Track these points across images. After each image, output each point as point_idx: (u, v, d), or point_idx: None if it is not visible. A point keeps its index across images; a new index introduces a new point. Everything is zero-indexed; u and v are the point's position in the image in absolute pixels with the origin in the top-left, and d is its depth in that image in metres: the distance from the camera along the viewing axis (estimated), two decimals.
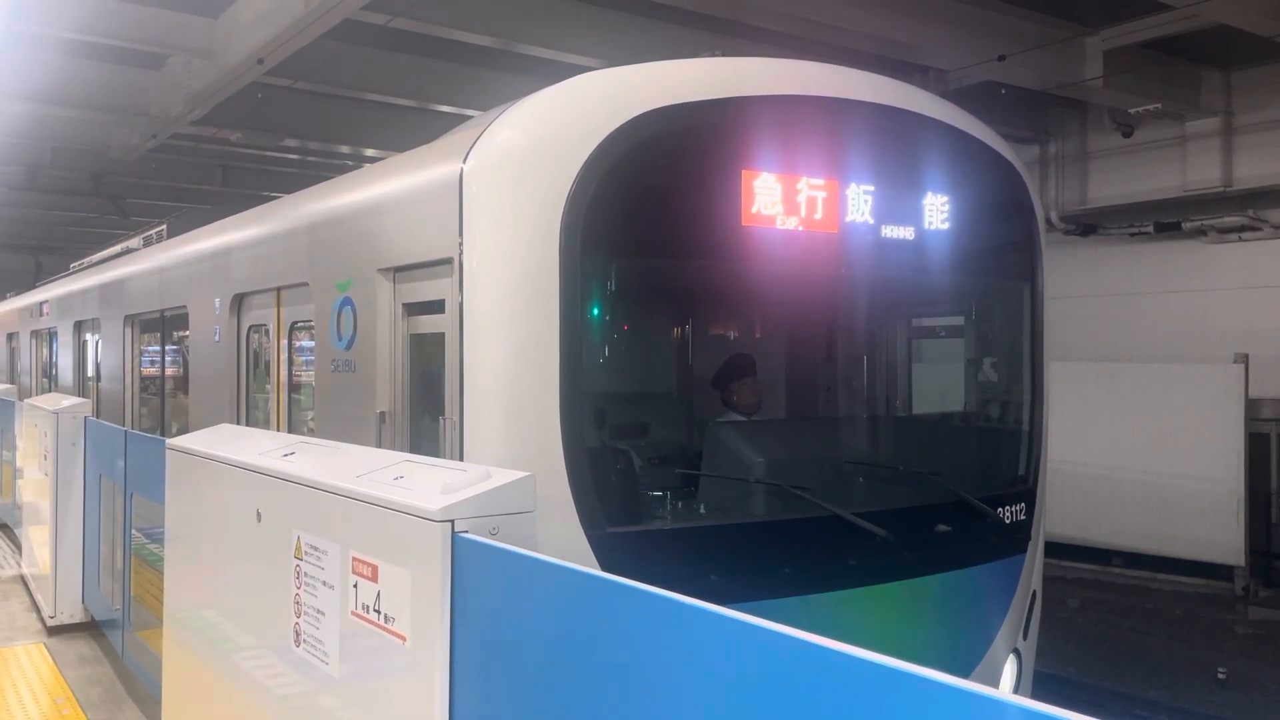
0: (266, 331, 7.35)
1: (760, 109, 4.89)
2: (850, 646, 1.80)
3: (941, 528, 5.20)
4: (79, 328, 13.61)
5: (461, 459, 4.34)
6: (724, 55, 5.37)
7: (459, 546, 2.80)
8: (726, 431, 5.93)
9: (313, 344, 6.38)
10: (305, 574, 3.53)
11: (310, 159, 17.75)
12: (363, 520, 3.21)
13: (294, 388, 7.00)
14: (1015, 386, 6.17)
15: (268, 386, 7.40)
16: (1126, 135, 14.65)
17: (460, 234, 4.51)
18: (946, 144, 5.52)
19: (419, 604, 2.89)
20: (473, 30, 10.83)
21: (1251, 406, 12.74)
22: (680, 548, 4.60)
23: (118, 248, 14.29)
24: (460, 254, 4.51)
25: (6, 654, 7.66)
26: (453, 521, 2.82)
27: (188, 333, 8.97)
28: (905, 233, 5.23)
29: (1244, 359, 12.64)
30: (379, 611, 3.07)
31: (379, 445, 5.16)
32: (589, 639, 2.43)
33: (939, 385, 6.79)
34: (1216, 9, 9.89)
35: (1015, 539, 5.70)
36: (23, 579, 9.94)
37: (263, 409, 7.54)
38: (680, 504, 5.24)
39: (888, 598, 4.94)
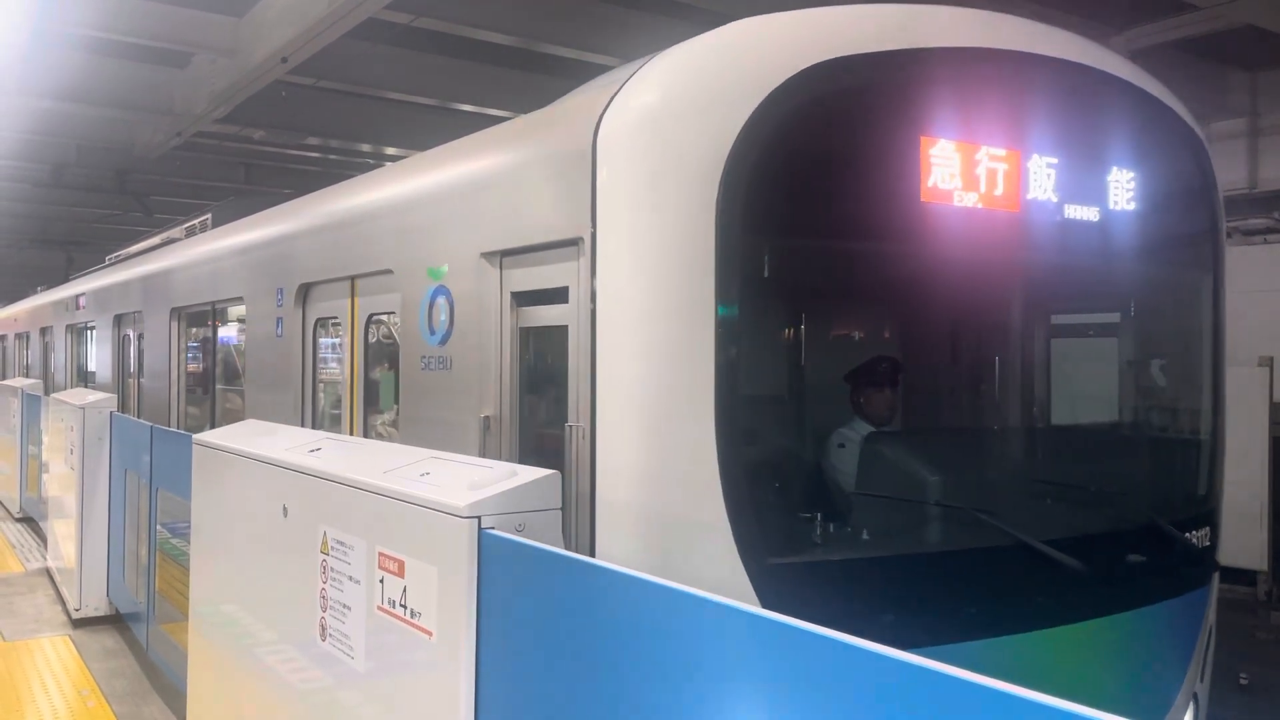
0: (338, 324, 6.70)
1: (943, 63, 4.18)
2: (889, 649, 1.80)
3: (1134, 558, 4.48)
4: (119, 322, 12.94)
5: (593, 472, 3.85)
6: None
7: (485, 542, 2.82)
8: (889, 444, 5.12)
9: (395, 338, 5.86)
10: (331, 569, 3.56)
11: (332, 157, 17.86)
12: (389, 516, 3.24)
13: (371, 387, 6.34)
14: (1196, 392, 5.38)
15: (339, 385, 6.71)
16: None
17: (593, 211, 3.91)
18: (1136, 110, 4.78)
19: (445, 599, 2.91)
20: (495, 30, 10.88)
21: (1275, 410, 12.63)
22: (852, 583, 3.91)
23: (157, 239, 13.79)
24: (593, 234, 3.90)
25: (33, 646, 7.75)
26: (479, 518, 2.83)
27: (244, 326, 8.29)
28: (1091, 213, 4.50)
29: (1268, 362, 12.53)
30: (405, 606, 3.09)
31: (482, 453, 4.57)
32: (616, 635, 2.44)
33: (1119, 391, 5.93)
34: (1243, 9, 9.81)
35: (1203, 569, 4.99)
36: (48, 572, 10.04)
37: (333, 410, 6.88)
38: (839, 529, 4.45)
39: (1075, 638, 4.23)
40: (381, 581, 3.22)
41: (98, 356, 14.10)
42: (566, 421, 4.11)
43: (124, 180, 18.72)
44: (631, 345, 3.80)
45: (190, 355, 10.42)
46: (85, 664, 7.33)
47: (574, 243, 4.08)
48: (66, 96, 13.03)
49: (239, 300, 8.30)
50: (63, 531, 9.29)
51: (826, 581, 3.87)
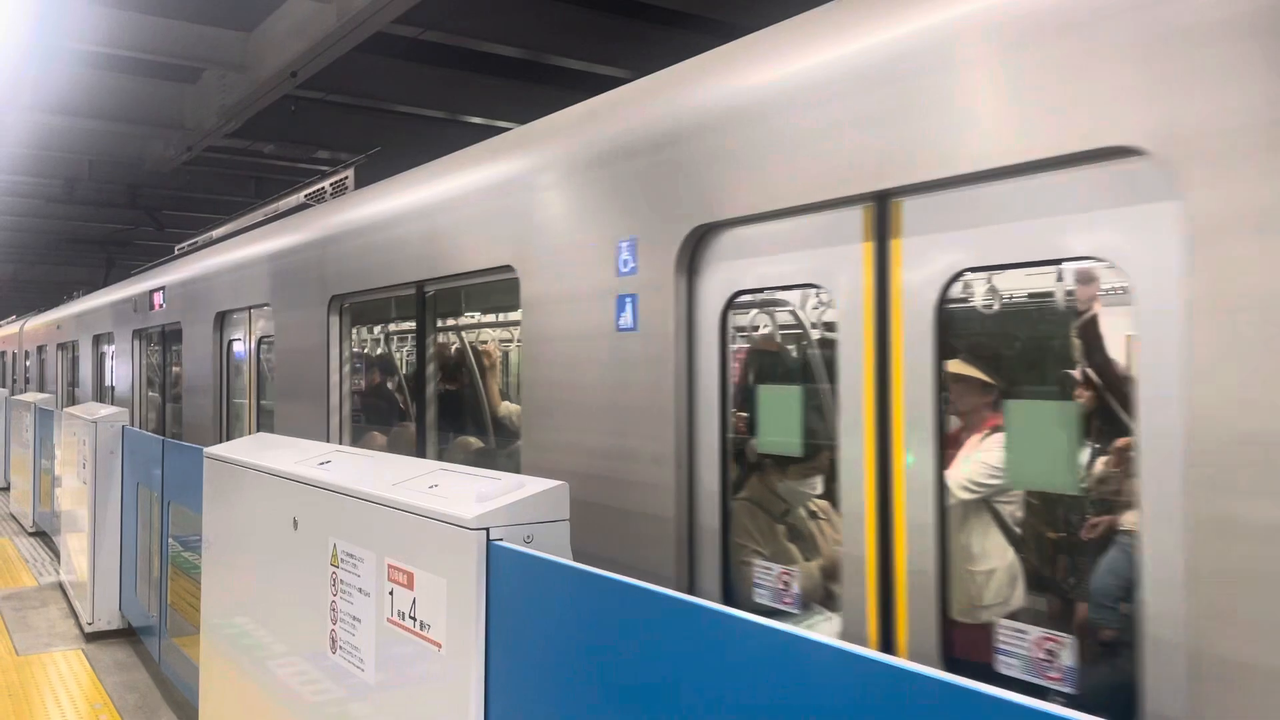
0: (800, 300, 4.00)
1: None
2: (897, 659, 1.79)
3: None
4: (222, 323, 9.56)
5: None
6: None
7: (494, 554, 2.82)
8: None
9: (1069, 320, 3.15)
10: (341, 581, 3.56)
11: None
12: (398, 528, 3.24)
13: (948, 427, 3.19)
14: None
15: (809, 422, 3.72)
16: None
17: None
18: None
19: (454, 611, 2.91)
20: (503, 42, 10.93)
21: None
22: None
23: (260, 214, 10.76)
24: None
25: (45, 660, 7.77)
26: (487, 529, 2.83)
27: (501, 317, 5.53)
28: None
29: None
30: (414, 618, 3.09)
31: None
32: (625, 648, 2.44)
33: None
34: None
35: None
36: (61, 586, 10.07)
37: (794, 483, 4.03)
38: None
39: None
40: (391, 593, 3.23)
41: (187, 369, 10.59)
42: None
43: (136, 195, 18.84)
44: None
45: (370, 368, 7.13)
46: (98, 677, 7.34)
47: None
48: (77, 112, 13.16)
49: (501, 272, 5.01)
50: (75, 545, 9.32)
51: None
